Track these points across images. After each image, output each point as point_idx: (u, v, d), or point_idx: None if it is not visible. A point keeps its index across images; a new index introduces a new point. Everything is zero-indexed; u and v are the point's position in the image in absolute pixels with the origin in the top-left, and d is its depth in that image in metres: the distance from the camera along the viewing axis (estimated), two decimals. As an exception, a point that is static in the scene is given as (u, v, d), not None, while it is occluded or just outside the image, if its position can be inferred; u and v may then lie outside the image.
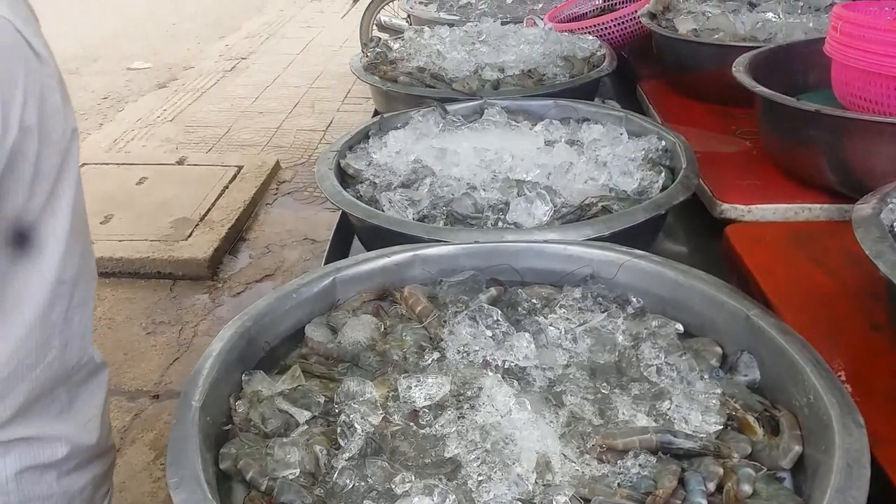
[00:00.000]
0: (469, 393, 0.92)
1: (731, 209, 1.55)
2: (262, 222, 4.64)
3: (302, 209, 4.81)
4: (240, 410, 0.92)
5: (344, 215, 1.59)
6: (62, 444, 1.09)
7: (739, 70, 1.68)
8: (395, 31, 6.13)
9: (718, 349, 1.02)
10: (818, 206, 1.53)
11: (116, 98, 6.87)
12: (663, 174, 1.47)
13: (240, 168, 5.03)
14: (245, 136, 5.83)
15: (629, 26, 2.32)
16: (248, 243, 4.40)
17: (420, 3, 2.93)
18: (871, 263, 0.89)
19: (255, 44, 8.29)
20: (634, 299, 1.11)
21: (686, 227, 1.70)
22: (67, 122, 1.01)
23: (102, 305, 3.80)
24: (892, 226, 0.96)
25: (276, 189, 5.04)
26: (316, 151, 5.59)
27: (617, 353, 1.02)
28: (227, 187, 4.77)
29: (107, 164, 5.13)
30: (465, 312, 1.04)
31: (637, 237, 1.30)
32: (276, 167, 5.20)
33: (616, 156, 1.54)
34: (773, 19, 2.12)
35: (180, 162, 5.13)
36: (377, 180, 1.50)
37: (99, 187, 4.72)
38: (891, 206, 0.98)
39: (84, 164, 5.07)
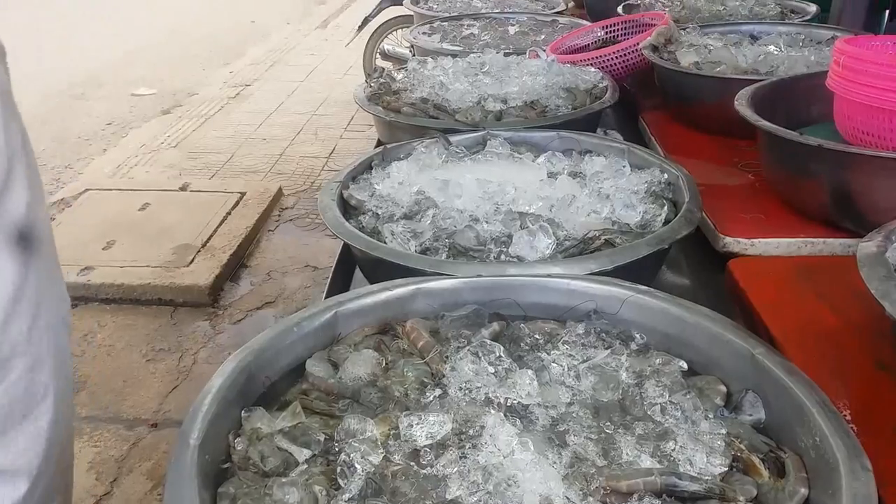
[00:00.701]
0: (471, 432, 0.91)
1: (734, 243, 1.55)
2: (263, 249, 4.64)
3: (304, 236, 4.81)
4: (239, 448, 0.91)
5: (346, 246, 1.58)
6: (24, 480, 1.03)
7: (742, 103, 1.68)
8: (399, 60, 6.17)
9: (723, 388, 1.01)
10: (821, 240, 1.52)
11: (121, 124, 6.90)
12: (666, 207, 1.47)
13: (242, 194, 5.03)
14: (248, 163, 5.85)
15: (631, 58, 2.33)
16: (250, 270, 4.40)
17: (423, 33, 2.95)
18: (877, 303, 0.88)
19: (259, 71, 8.35)
20: (638, 335, 1.10)
21: (689, 259, 1.70)
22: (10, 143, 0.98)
23: (103, 332, 3.79)
24: (897, 264, 0.95)
25: (279, 215, 5.04)
26: (319, 178, 5.60)
27: (620, 391, 1.00)
28: (229, 213, 4.78)
29: (109, 189, 5.14)
30: (467, 348, 1.03)
31: (640, 271, 1.29)
32: (279, 194, 5.21)
33: (619, 188, 1.54)
34: (775, 52, 2.13)
35: (183, 188, 5.14)
36: (380, 211, 1.50)
37: (101, 213, 4.73)
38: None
39: (87, 189, 5.10)
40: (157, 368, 3.54)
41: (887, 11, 3.25)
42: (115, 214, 4.72)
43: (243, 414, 0.95)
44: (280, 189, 5.25)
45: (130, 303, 4.02)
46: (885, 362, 1.10)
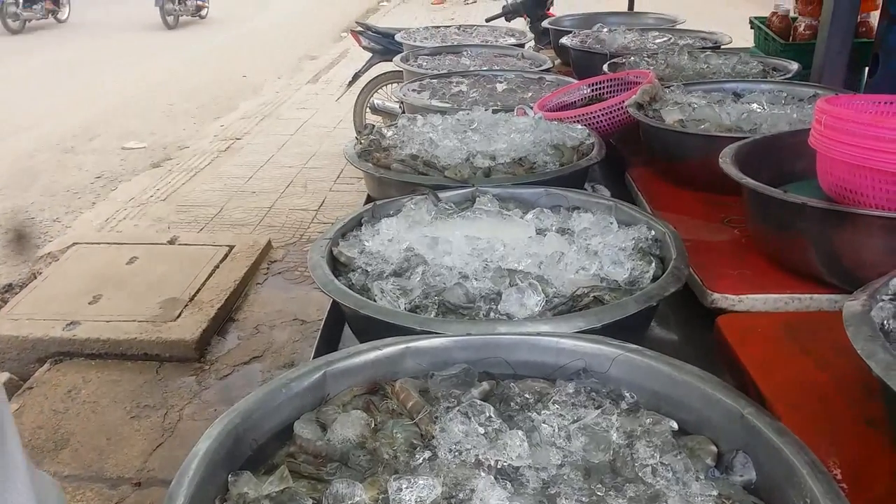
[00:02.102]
0: (461, 495, 0.90)
1: (722, 299, 1.56)
2: (251, 302, 4.62)
3: (292, 289, 4.79)
4: (225, 514, 0.89)
5: (335, 302, 1.58)
6: None
7: (726, 161, 1.71)
8: (388, 115, 6.26)
9: (713, 448, 1.01)
10: (808, 296, 1.53)
11: (110, 177, 6.93)
12: (654, 264, 1.48)
13: (231, 247, 5.04)
14: (237, 216, 5.87)
15: (617, 115, 2.37)
16: (237, 324, 4.37)
17: (413, 90, 3.00)
18: (864, 362, 0.88)
19: (250, 124, 8.43)
20: (628, 394, 1.10)
21: (677, 314, 1.71)
22: None
23: (87, 388, 3.74)
24: (882, 323, 0.96)
25: (267, 268, 5.03)
26: (308, 231, 5.62)
27: (611, 452, 1.00)
28: (217, 267, 4.77)
29: (97, 243, 5.13)
30: (457, 408, 1.02)
31: (629, 328, 1.30)
32: (268, 246, 5.21)
33: (606, 245, 1.55)
34: (758, 110, 2.17)
35: (172, 241, 5.13)
36: (369, 268, 1.51)
37: (88, 267, 4.71)
38: (881, 303, 0.98)
39: (74, 243, 5.08)
40: (142, 425, 3.49)
41: (867, 68, 3.33)
42: (102, 268, 4.71)
43: (230, 478, 0.94)
44: (269, 242, 5.26)
45: (116, 358, 3.97)
46: (873, 419, 1.10)
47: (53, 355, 4.00)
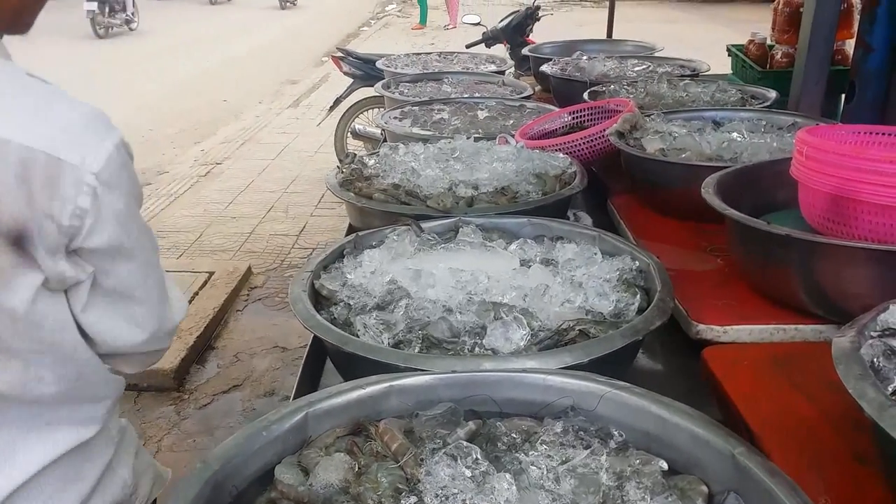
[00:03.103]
0: (448, 543, 0.88)
1: (708, 330, 1.55)
2: (231, 330, 4.57)
3: (273, 316, 4.75)
4: (203, 566, 0.86)
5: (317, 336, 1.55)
6: None
7: (709, 191, 1.71)
8: (370, 140, 6.26)
9: (704, 488, 0.99)
10: (793, 327, 1.53)
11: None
12: (638, 296, 1.47)
13: (211, 274, 4.99)
14: (217, 241, 5.82)
15: (598, 144, 2.37)
16: (217, 352, 4.31)
17: (394, 118, 3.00)
18: (854, 402, 0.87)
19: (230, 149, 8.39)
20: (616, 433, 1.08)
21: (662, 343, 1.70)
22: None
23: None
24: (872, 361, 0.95)
25: (248, 295, 4.99)
26: (289, 256, 5.58)
27: (601, 494, 0.98)
28: (196, 294, 4.71)
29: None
30: (443, 451, 1.00)
31: (616, 361, 1.29)
32: (248, 273, 5.17)
33: (591, 276, 1.54)
34: (738, 139, 2.18)
35: (150, 268, 5.07)
36: (352, 302, 1.48)
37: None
38: (870, 340, 0.97)
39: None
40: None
41: (843, 95, 3.37)
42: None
43: (208, 527, 0.91)
44: (249, 268, 5.22)
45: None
46: (862, 455, 1.09)
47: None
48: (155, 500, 1.41)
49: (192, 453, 3.47)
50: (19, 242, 0.99)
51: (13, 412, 1.09)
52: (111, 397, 1.24)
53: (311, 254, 5.59)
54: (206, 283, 4.86)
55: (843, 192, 1.49)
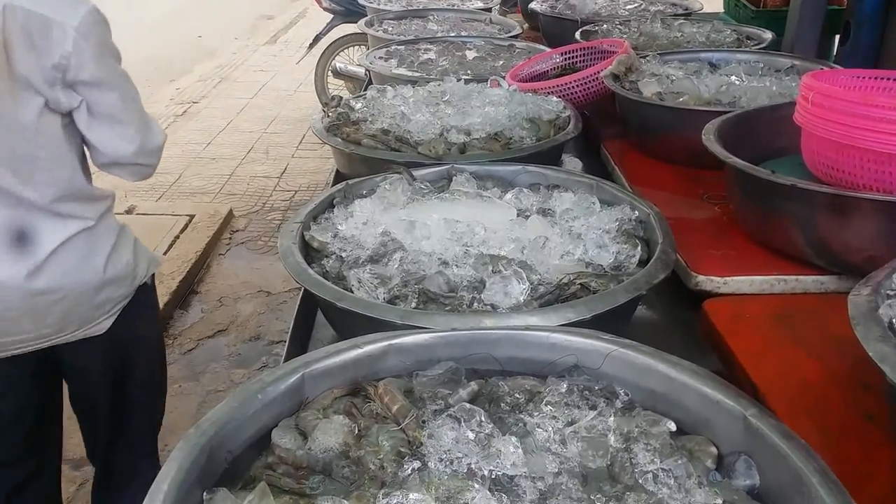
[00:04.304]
0: (454, 510, 0.85)
1: (707, 281, 1.52)
2: (214, 274, 4.51)
3: (256, 259, 4.69)
4: (201, 537, 0.83)
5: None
6: None
7: (710, 138, 1.66)
8: (351, 78, 6.11)
9: (714, 449, 0.97)
10: (794, 277, 1.51)
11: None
12: (639, 247, 1.43)
13: (191, 217, 4.89)
14: (197, 184, 5.70)
15: (592, 87, 2.31)
16: (200, 296, 4.26)
17: (379, 57, 2.90)
18: (874, 365, 0.84)
19: (207, 87, 8.17)
20: (622, 392, 1.05)
21: (660, 294, 1.67)
22: None
23: (44, 365, 3.61)
24: (891, 322, 0.92)
25: (230, 238, 4.91)
26: (270, 199, 5.49)
27: (609, 457, 0.95)
28: (177, 237, 4.63)
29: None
30: (446, 414, 0.96)
31: (616, 315, 1.25)
32: (230, 216, 5.08)
33: (590, 227, 1.50)
34: (737, 82, 2.13)
35: (129, 211, 4.96)
36: (344, 254, 1.43)
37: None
38: (889, 301, 0.94)
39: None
40: (104, 404, 3.38)
41: (837, 36, 3.30)
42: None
43: (205, 496, 0.87)
44: (231, 211, 5.13)
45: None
46: (872, 413, 1.07)
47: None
48: (153, 276, 2.02)
49: (178, 398, 3.44)
50: (27, 80, 1.58)
51: (36, 211, 1.70)
52: (100, 202, 1.84)
53: (293, 196, 5.50)
54: (186, 226, 4.77)
55: (850, 140, 1.45)
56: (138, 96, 1.84)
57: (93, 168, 1.89)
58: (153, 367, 2.14)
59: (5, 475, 2.02)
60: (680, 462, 0.92)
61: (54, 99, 1.63)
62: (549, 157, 1.93)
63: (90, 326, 1.84)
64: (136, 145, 1.80)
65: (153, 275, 2.02)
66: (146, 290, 1.99)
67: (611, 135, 2.34)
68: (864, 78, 1.69)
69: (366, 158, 1.87)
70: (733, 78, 2.15)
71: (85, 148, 1.82)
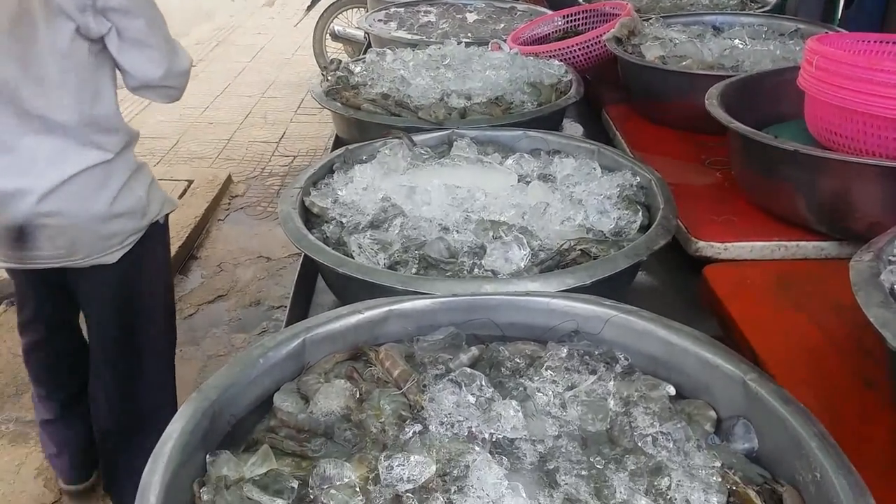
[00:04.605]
0: (456, 472, 0.86)
1: (708, 247, 1.52)
2: (213, 239, 4.51)
3: (255, 225, 4.68)
4: (205, 499, 0.83)
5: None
6: None
7: (713, 102, 1.65)
8: (350, 42, 6.04)
9: (713, 413, 0.98)
10: (795, 243, 1.50)
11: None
12: (640, 213, 1.43)
13: (190, 182, 4.88)
14: (195, 148, 5.67)
15: (594, 50, 2.28)
16: (200, 262, 4.26)
17: (379, 20, 2.86)
18: (875, 330, 0.85)
19: (204, 51, 8.10)
20: (622, 357, 1.06)
21: (660, 260, 1.66)
22: None
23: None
24: (892, 287, 0.92)
25: (229, 204, 4.90)
26: (269, 164, 5.47)
27: (609, 421, 0.96)
28: (176, 203, 4.62)
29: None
30: (447, 378, 0.97)
31: (617, 281, 1.25)
32: (228, 181, 5.07)
33: (591, 193, 1.49)
34: (740, 46, 2.10)
35: (127, 176, 4.94)
36: (344, 220, 1.43)
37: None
38: (891, 267, 0.94)
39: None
40: (105, 368, 3.40)
41: (842, 0, 3.26)
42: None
43: (208, 458, 0.88)
44: (229, 176, 5.11)
45: (74, 299, 3.85)
46: (871, 379, 1.07)
47: (9, 296, 3.86)
48: (167, 218, 2.19)
49: (179, 363, 3.42)
50: (60, 6, 1.74)
51: (59, 135, 1.85)
52: (122, 135, 1.99)
53: (292, 161, 5.48)
54: (185, 191, 4.76)
55: (854, 104, 1.44)
56: (164, 23, 1.96)
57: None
58: (159, 305, 2.27)
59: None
60: (679, 426, 0.93)
61: (85, 24, 1.78)
62: (550, 121, 1.92)
63: (100, 255, 2.00)
64: (164, 69, 1.94)
65: (167, 217, 2.18)
66: (158, 229, 2.13)
67: (612, 99, 2.32)
68: (869, 42, 1.67)
69: (365, 123, 1.86)
70: (737, 42, 2.12)
71: (113, 77, 1.97)
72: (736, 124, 1.53)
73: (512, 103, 1.93)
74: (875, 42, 1.65)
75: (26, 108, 1.84)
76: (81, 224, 1.93)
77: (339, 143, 2.04)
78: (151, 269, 2.17)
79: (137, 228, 2.04)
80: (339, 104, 1.94)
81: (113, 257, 2.02)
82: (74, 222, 1.92)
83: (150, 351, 2.28)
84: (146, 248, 2.09)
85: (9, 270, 2.18)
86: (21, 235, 1.92)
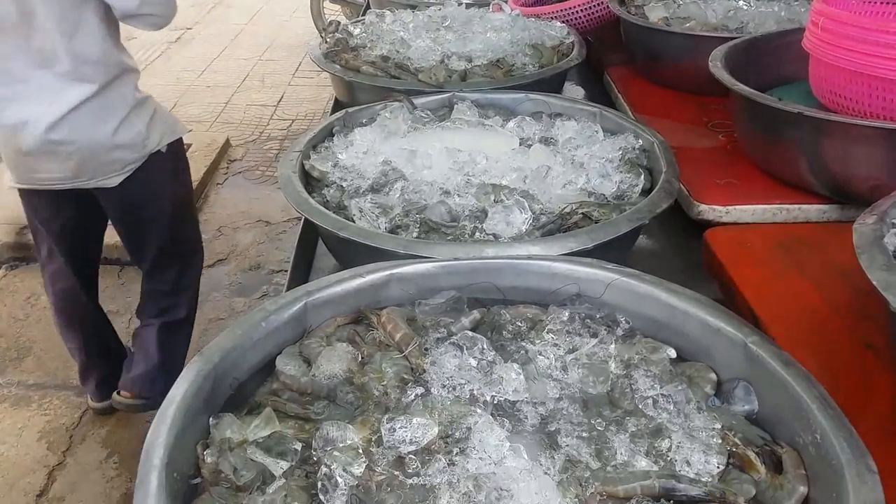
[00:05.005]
0: (458, 434, 0.86)
1: (709, 210, 1.51)
2: (212, 204, 4.49)
3: (254, 189, 4.67)
4: (209, 461, 0.84)
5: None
6: None
7: (717, 64, 1.63)
8: (349, 4, 5.96)
9: (713, 376, 0.98)
10: (797, 206, 1.50)
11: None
12: (643, 176, 1.42)
13: (188, 146, 4.83)
14: (192, 112, 5.63)
15: (597, 12, 2.25)
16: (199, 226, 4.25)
17: (378, -19, 2.82)
18: (878, 293, 0.84)
19: (200, 13, 7.99)
20: (623, 320, 1.06)
21: (661, 223, 1.66)
22: None
23: (46, 295, 3.63)
24: (896, 250, 0.92)
25: (227, 168, 4.88)
26: (267, 127, 5.43)
27: (609, 383, 0.96)
28: (175, 167, 4.59)
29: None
30: (448, 341, 0.97)
31: (618, 245, 1.25)
32: (227, 145, 5.04)
33: (593, 156, 1.48)
34: (745, 7, 2.07)
35: (125, 140, 4.91)
36: (344, 184, 1.42)
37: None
38: (894, 230, 0.94)
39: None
40: (106, 332, 3.41)
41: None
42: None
43: (211, 421, 0.89)
44: (227, 140, 5.08)
45: (74, 263, 3.85)
46: (872, 343, 1.08)
47: (8, 261, 3.87)
48: (174, 144, 2.41)
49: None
50: None
51: (57, 68, 2.06)
52: (108, 66, 2.16)
53: (290, 125, 5.44)
54: (183, 155, 4.72)
55: (860, 66, 1.42)
56: None
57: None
58: (164, 225, 2.51)
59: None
60: (679, 388, 0.93)
61: None
62: (551, 84, 1.90)
63: (102, 179, 2.26)
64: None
65: (175, 143, 2.41)
66: (160, 158, 2.34)
67: (615, 61, 2.29)
68: (875, 3, 1.63)
69: (365, 86, 1.84)
70: (741, 3, 2.09)
71: (98, 11, 2.09)
72: (740, 86, 1.51)
73: (513, 65, 1.91)
74: (881, 3, 1.62)
75: (29, 43, 2.02)
76: (85, 152, 2.17)
77: (338, 105, 2.02)
78: (151, 193, 2.39)
79: (137, 158, 2.26)
80: (338, 66, 1.92)
81: (114, 181, 2.27)
82: (79, 150, 2.16)
83: (159, 263, 2.62)
84: (146, 175, 2.31)
85: (24, 193, 2.40)
86: (33, 159, 2.17)
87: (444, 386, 0.93)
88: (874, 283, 0.83)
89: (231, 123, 5.46)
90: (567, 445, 0.86)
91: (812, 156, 1.43)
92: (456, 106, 1.66)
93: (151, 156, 2.30)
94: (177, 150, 2.45)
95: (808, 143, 1.42)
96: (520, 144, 1.54)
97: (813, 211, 1.50)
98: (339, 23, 2.19)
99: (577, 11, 2.26)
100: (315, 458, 0.84)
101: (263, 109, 5.71)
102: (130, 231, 2.54)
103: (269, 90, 6.04)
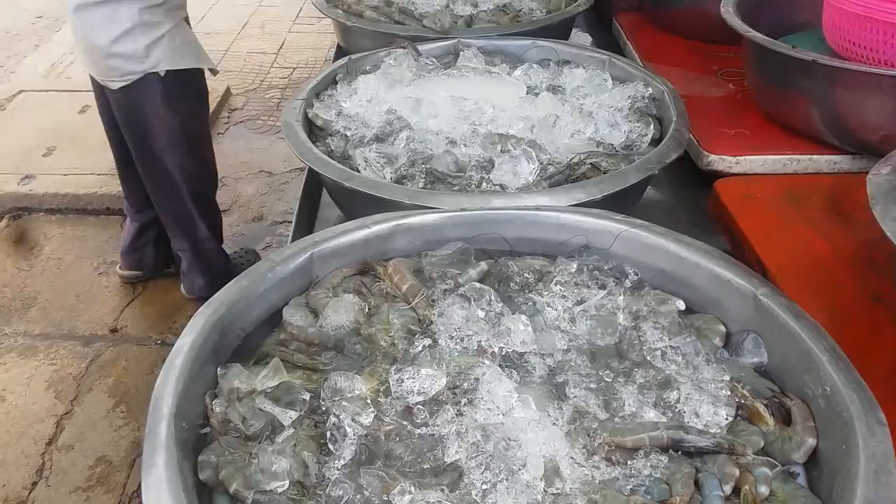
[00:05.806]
0: (466, 385, 0.86)
1: (719, 161, 1.49)
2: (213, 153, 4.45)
3: (256, 139, 4.61)
4: (217, 411, 0.84)
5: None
6: None
7: (729, 11, 1.59)
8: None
9: (722, 328, 0.98)
10: (808, 157, 1.48)
11: (52, 17, 6.43)
12: (652, 126, 1.40)
13: (188, 95, 4.78)
14: (192, 60, 5.54)
15: (605, -45, 2.19)
16: (201, 176, 4.22)
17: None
18: (893, 244, 0.83)
19: (198, -43, 7.81)
20: (631, 272, 1.05)
21: (669, 173, 1.64)
22: None
23: (50, 245, 3.64)
24: (910, 201, 0.90)
25: (228, 117, 4.82)
26: (268, 76, 5.35)
27: (618, 335, 0.96)
28: (175, 116, 4.54)
29: (45, 90, 4.83)
30: (456, 293, 0.97)
31: (627, 196, 1.24)
32: (227, 94, 4.97)
33: (601, 105, 1.46)
34: (758, -49, 2.01)
35: (124, 88, 4.85)
36: (349, 133, 1.40)
37: (38, 117, 4.45)
38: (910, 180, 0.92)
39: (20, 91, 4.78)
40: (111, 282, 3.42)
41: None
42: (53, 118, 4.45)
43: (219, 371, 0.89)
44: (228, 89, 5.00)
45: (77, 213, 3.84)
46: (879, 294, 1.07)
47: (10, 211, 3.86)
48: (178, 74, 2.52)
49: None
50: None
51: None
52: None
53: (291, 73, 5.36)
54: (184, 104, 4.67)
55: (874, 13, 1.38)
56: None
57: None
58: (164, 146, 2.65)
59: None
60: (688, 340, 0.93)
61: None
62: (559, 30, 1.86)
63: (105, 79, 2.49)
64: None
65: (177, 72, 2.50)
66: (155, 79, 2.46)
67: (623, 7, 2.24)
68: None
69: (368, 32, 1.80)
70: (755, -54, 2.03)
71: None
72: (752, 33, 1.47)
73: (520, 11, 1.87)
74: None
75: None
76: (87, 50, 2.43)
77: (340, 53, 1.99)
78: (149, 112, 2.55)
79: (134, 71, 2.44)
80: (340, 12, 1.88)
81: (115, 84, 2.47)
82: (84, 46, 2.44)
83: (165, 183, 2.80)
84: (142, 91, 2.49)
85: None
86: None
87: (452, 337, 0.93)
88: (888, 233, 0.82)
89: (231, 72, 5.37)
90: (575, 396, 0.86)
91: (824, 105, 1.40)
92: (462, 53, 1.63)
93: (148, 74, 2.45)
94: (177, 80, 2.54)
95: (821, 91, 1.40)
96: (527, 93, 1.51)
97: (823, 162, 1.48)
98: (341, -33, 2.13)
99: (585, -45, 2.19)
100: (324, 408, 0.85)
101: (264, 57, 5.62)
102: (128, 139, 2.73)
103: (270, 37, 5.93)
